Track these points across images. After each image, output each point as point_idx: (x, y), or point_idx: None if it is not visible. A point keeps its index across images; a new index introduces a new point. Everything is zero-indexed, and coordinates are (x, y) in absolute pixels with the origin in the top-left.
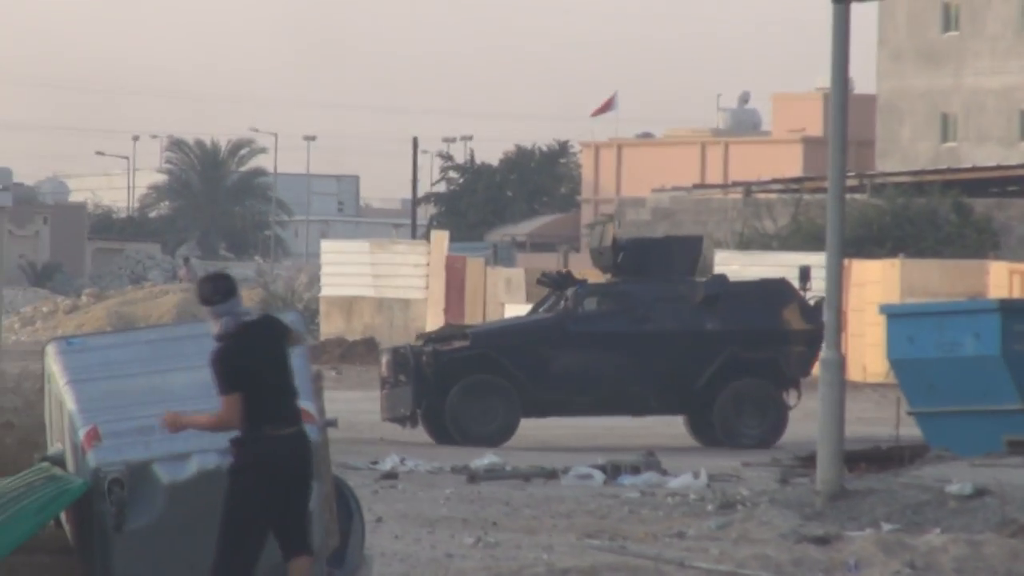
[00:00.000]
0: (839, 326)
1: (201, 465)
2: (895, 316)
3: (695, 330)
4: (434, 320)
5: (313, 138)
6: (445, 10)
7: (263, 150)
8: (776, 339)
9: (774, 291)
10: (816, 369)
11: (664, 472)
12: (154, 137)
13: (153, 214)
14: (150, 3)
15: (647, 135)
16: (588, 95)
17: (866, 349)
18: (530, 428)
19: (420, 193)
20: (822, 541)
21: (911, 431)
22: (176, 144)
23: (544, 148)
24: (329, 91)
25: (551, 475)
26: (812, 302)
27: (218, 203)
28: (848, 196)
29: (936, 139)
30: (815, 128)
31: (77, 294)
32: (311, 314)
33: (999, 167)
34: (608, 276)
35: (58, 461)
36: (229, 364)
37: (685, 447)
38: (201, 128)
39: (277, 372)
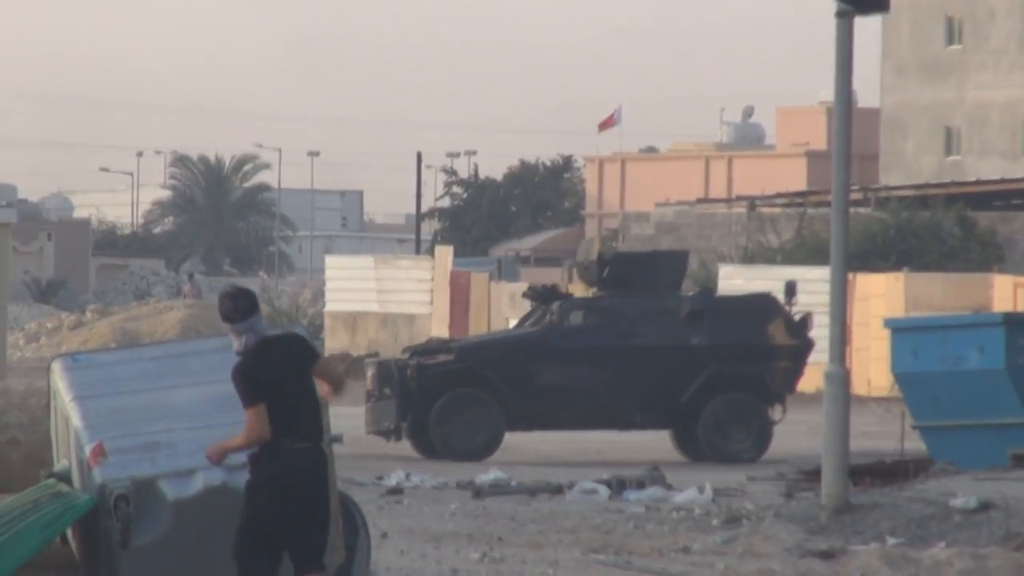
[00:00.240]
0: (843, 340)
1: (207, 481)
2: (899, 330)
3: (680, 345)
4: (439, 335)
5: (317, 153)
6: (449, 25)
7: (267, 166)
8: (761, 354)
9: (759, 306)
10: (802, 384)
11: (669, 487)
12: (158, 153)
13: (157, 230)
14: (154, 19)
15: (651, 149)
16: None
17: (870, 363)
18: (534, 443)
19: (424, 208)
20: (827, 555)
21: (915, 445)
22: (180, 160)
23: (548, 163)
24: (333, 106)
25: (556, 490)
26: (797, 317)
27: (222, 219)
28: (852, 210)
29: (940, 153)
30: (819, 142)
31: (81, 310)
32: (316, 329)
33: (1003, 180)
34: (594, 291)
35: (64, 477)
36: (249, 378)
37: (689, 462)
38: (205, 144)
39: (297, 388)
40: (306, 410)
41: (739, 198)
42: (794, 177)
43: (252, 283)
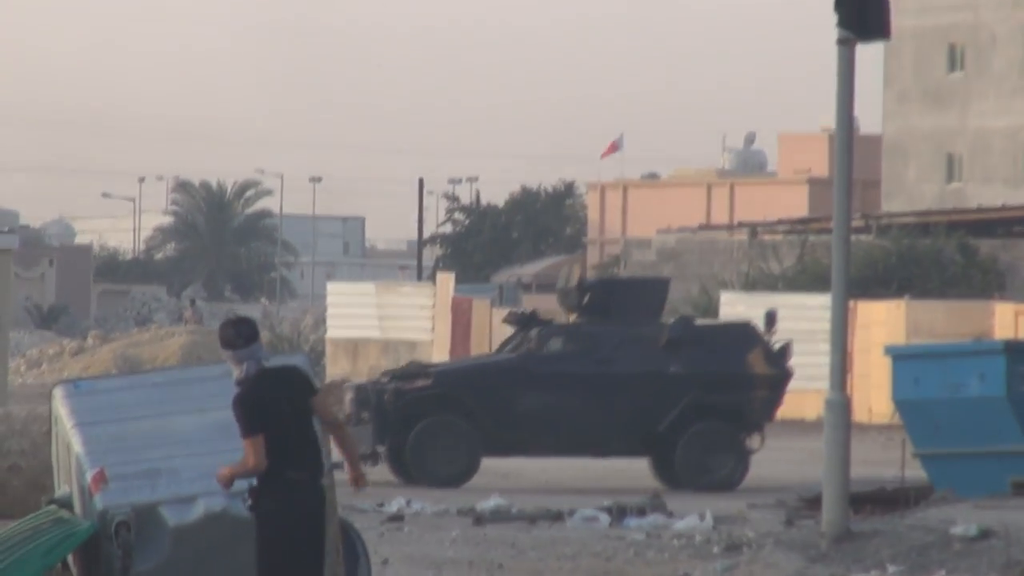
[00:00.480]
0: (844, 367)
1: (208, 508)
2: (900, 357)
3: (658, 372)
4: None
5: (319, 179)
6: (451, 51)
7: (269, 192)
8: (739, 383)
9: (739, 335)
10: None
11: (670, 514)
12: (160, 179)
13: (159, 256)
14: (155, 45)
15: (653, 176)
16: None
17: (871, 390)
18: (535, 470)
19: (426, 234)
20: None
21: (916, 473)
22: (182, 186)
23: (550, 189)
24: (335, 133)
25: (557, 517)
26: (776, 347)
27: (224, 245)
28: (853, 237)
29: (941, 180)
30: (821, 168)
31: (83, 336)
32: (317, 356)
33: (1005, 208)
34: (574, 317)
35: (65, 504)
36: (251, 407)
37: (692, 488)
38: (207, 170)
39: (296, 420)
40: (305, 442)
41: (741, 224)
42: (796, 204)
43: (253, 309)
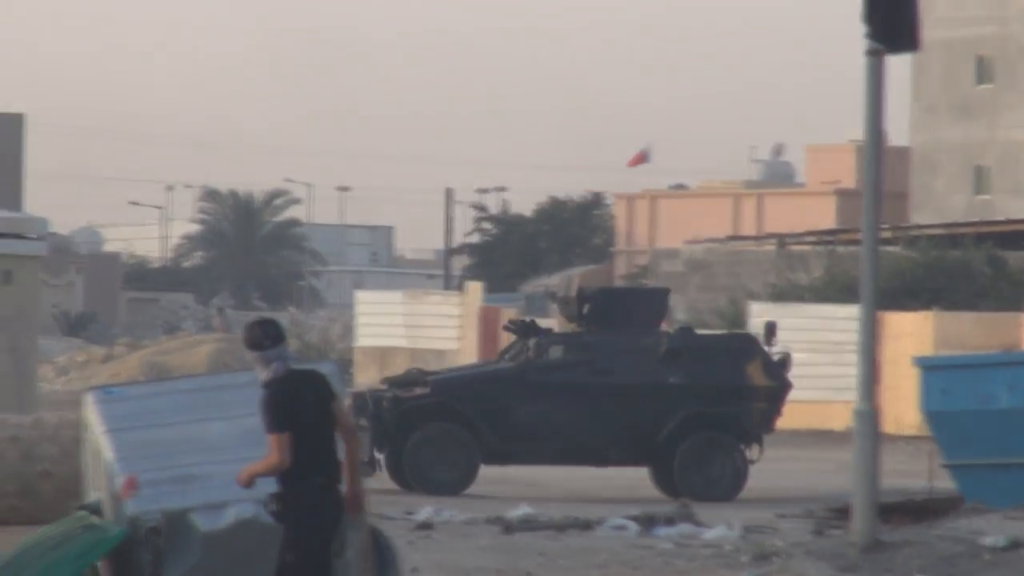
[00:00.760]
0: (873, 378)
1: (238, 514)
2: (929, 368)
3: (657, 383)
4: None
5: (347, 189)
6: (478, 61)
7: (297, 201)
8: (738, 394)
9: (738, 346)
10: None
11: (699, 523)
12: (188, 187)
13: (187, 264)
14: (184, 53)
15: (681, 186)
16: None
17: (899, 401)
18: (563, 478)
19: (454, 244)
20: None
21: (945, 484)
22: (210, 194)
23: (578, 199)
24: (363, 142)
25: (586, 526)
26: (776, 358)
27: (252, 253)
28: (882, 248)
29: (970, 191)
30: (849, 180)
31: (111, 344)
32: (345, 364)
33: None
34: (574, 326)
35: (96, 510)
36: (280, 404)
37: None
38: (235, 178)
39: (321, 423)
40: (328, 447)
41: (769, 235)
42: (824, 215)
43: (281, 317)
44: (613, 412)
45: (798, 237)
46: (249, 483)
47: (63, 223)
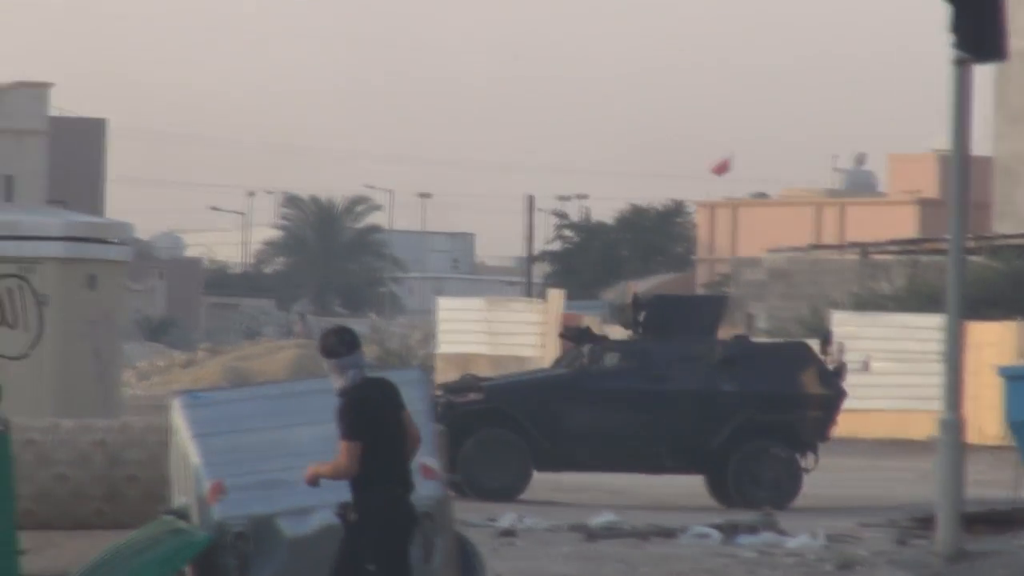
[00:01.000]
0: (959, 387)
1: (323, 520)
2: (1013, 378)
3: (711, 390)
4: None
5: (428, 195)
6: (561, 69)
7: (378, 207)
8: (793, 403)
9: (793, 354)
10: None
11: (782, 532)
12: (269, 193)
13: (268, 270)
14: (266, 59)
15: (762, 195)
16: (703, 155)
17: (982, 411)
18: (644, 486)
19: (534, 251)
20: None
21: None
22: (291, 200)
23: (659, 207)
24: (444, 148)
25: (668, 534)
26: (831, 367)
27: (333, 259)
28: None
29: None
30: (930, 190)
31: (192, 349)
32: (426, 371)
33: None
34: (630, 333)
35: (182, 514)
36: (360, 411)
37: (803, 507)
38: (316, 184)
39: (396, 432)
40: (402, 456)
41: (852, 244)
42: (905, 224)
43: (362, 324)
44: (667, 419)
45: (881, 246)
46: (314, 481)
47: (144, 228)
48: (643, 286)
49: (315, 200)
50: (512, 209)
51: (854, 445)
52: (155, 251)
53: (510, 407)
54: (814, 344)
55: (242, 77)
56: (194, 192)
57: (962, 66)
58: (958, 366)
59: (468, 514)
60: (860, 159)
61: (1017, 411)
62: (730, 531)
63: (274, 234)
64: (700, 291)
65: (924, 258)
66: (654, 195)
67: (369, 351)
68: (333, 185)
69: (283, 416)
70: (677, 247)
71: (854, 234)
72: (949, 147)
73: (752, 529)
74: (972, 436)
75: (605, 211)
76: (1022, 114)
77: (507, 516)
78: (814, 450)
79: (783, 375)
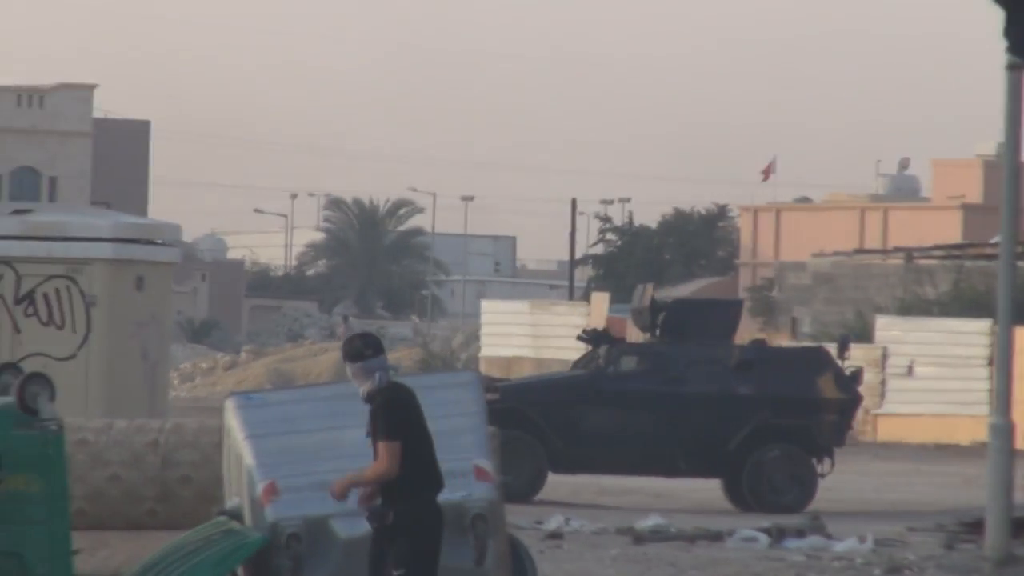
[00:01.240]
0: (1009, 392)
1: None
2: None
3: (728, 394)
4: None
5: (471, 198)
6: (604, 74)
7: (421, 210)
8: (809, 407)
9: (810, 359)
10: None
11: (829, 536)
12: (312, 195)
13: (310, 272)
14: (309, 62)
15: (805, 200)
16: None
17: None
18: (689, 490)
19: (577, 255)
20: None
21: None
22: (334, 203)
23: (703, 211)
24: (487, 152)
25: (716, 537)
26: (848, 372)
27: (376, 262)
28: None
29: None
30: (974, 195)
31: (235, 351)
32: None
33: None
34: (647, 336)
35: (235, 515)
36: (397, 411)
37: (849, 511)
38: (358, 187)
39: (427, 436)
40: (433, 458)
41: (897, 249)
42: (949, 230)
43: (404, 327)
44: (683, 422)
45: (926, 251)
46: (344, 494)
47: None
48: (686, 290)
49: (358, 203)
50: (554, 212)
51: (898, 449)
52: (198, 253)
53: (526, 408)
54: (831, 348)
55: (286, 80)
56: (237, 194)
57: (1015, 71)
58: (1008, 371)
59: (515, 516)
60: (904, 164)
61: None
62: (777, 535)
63: (317, 236)
64: (743, 296)
65: (968, 263)
66: (698, 199)
67: (412, 353)
68: (376, 188)
69: (335, 417)
70: (720, 251)
71: (897, 239)
72: (1000, 152)
73: (799, 533)
74: (1021, 441)
75: (648, 215)
76: None
77: (554, 519)
78: (830, 454)
79: (800, 379)
